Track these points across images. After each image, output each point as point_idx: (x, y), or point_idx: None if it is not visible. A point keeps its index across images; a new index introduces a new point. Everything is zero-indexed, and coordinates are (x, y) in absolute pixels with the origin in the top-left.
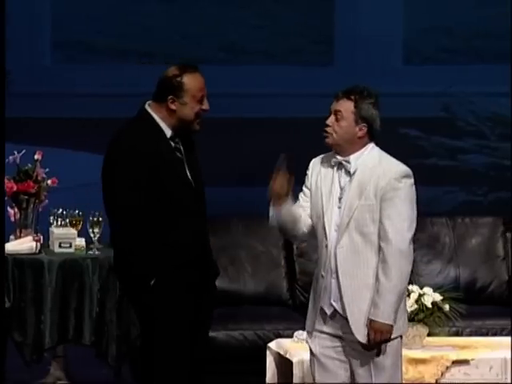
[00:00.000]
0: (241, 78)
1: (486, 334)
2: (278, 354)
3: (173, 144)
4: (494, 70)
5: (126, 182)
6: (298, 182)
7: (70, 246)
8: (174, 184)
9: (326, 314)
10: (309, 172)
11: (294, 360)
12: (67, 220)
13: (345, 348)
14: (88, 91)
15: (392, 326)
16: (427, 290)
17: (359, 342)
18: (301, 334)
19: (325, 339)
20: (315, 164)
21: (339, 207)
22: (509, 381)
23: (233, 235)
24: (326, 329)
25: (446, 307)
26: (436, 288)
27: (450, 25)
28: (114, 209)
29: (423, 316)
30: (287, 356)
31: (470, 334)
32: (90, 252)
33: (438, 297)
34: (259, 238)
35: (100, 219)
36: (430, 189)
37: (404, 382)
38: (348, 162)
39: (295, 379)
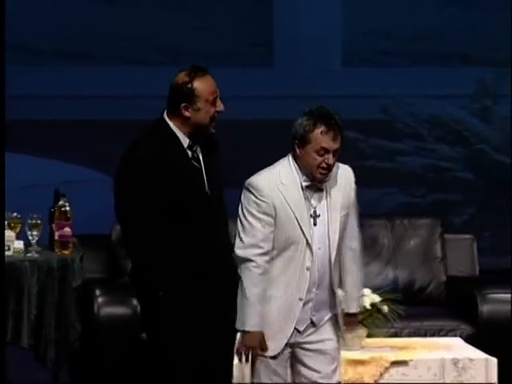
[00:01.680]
0: None
1: (425, 335)
2: None
3: (190, 153)
4: (432, 73)
5: (142, 194)
6: (233, 184)
7: (9, 249)
8: (190, 196)
9: (298, 331)
10: (266, 199)
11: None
12: (5, 223)
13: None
14: (26, 93)
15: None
16: (366, 291)
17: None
18: None
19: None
20: (270, 189)
21: (315, 224)
22: (447, 381)
23: None
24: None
25: (385, 308)
26: (375, 289)
27: (389, 27)
28: (127, 221)
29: (362, 317)
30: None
31: (409, 335)
32: (29, 254)
33: (376, 298)
34: None
35: (39, 222)
36: (369, 190)
37: (343, 382)
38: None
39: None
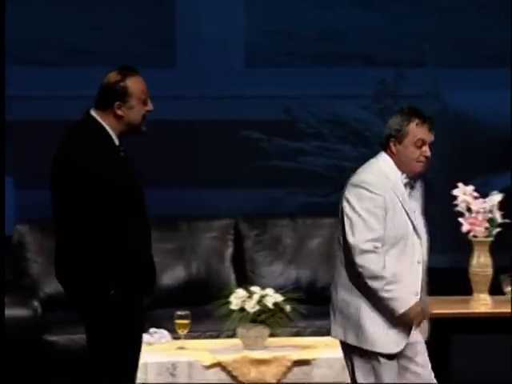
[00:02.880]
0: (79, 81)
1: (327, 334)
2: None
3: (121, 153)
4: (334, 73)
5: (91, 190)
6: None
7: None
8: (127, 190)
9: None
10: (380, 192)
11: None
12: None
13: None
14: None
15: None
16: (269, 291)
17: None
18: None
19: None
20: (382, 184)
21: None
22: (349, 380)
23: None
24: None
25: (288, 308)
26: (277, 289)
27: (291, 28)
28: (75, 217)
29: (265, 317)
30: None
31: (311, 335)
32: None
33: (279, 298)
34: None
35: None
36: (272, 190)
37: (245, 382)
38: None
39: (138, 382)
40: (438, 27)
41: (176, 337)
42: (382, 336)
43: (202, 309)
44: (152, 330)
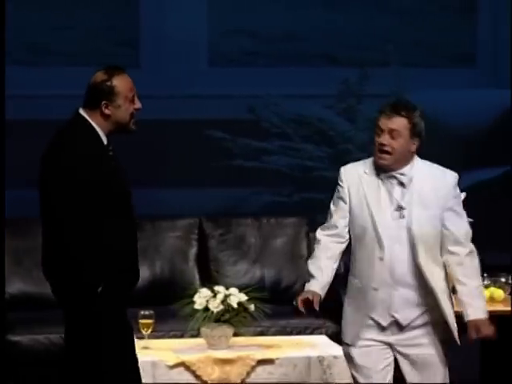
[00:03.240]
0: (46, 80)
1: (291, 333)
2: None
3: (108, 152)
4: (298, 73)
5: (76, 190)
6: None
7: None
8: (114, 189)
9: (379, 324)
10: (343, 184)
11: None
12: None
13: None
14: None
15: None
16: (233, 290)
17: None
18: None
19: (373, 346)
20: (349, 175)
21: (395, 219)
22: (313, 378)
23: (37, 237)
24: (376, 337)
25: (252, 307)
26: (242, 288)
27: (255, 27)
28: (64, 217)
29: (229, 316)
30: None
31: (275, 334)
32: None
33: (243, 297)
34: None
35: None
36: (236, 190)
37: (210, 382)
38: (402, 174)
39: None
40: (400, 27)
41: (140, 336)
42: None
43: (166, 308)
44: None
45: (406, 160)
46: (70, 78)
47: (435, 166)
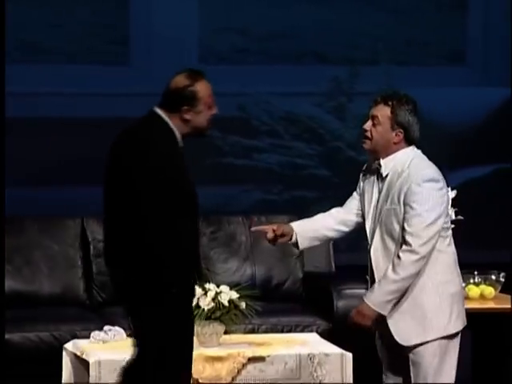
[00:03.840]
0: (38, 78)
1: (282, 331)
2: (75, 354)
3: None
4: (288, 71)
5: (166, 190)
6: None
7: None
8: (192, 191)
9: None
10: (360, 179)
11: (91, 361)
12: None
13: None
14: None
15: (378, 315)
16: (224, 288)
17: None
18: (97, 335)
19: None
20: (364, 171)
21: (374, 211)
22: (303, 376)
23: (28, 235)
24: (381, 334)
25: (243, 305)
26: (232, 286)
27: (245, 25)
28: (148, 215)
29: (220, 314)
30: (84, 357)
31: (266, 331)
32: None
33: (234, 295)
34: (55, 239)
35: None
36: (227, 188)
37: (201, 380)
38: (380, 165)
39: (91, 380)
40: (391, 25)
41: (131, 334)
42: None
43: None
44: (106, 327)
45: (386, 150)
46: (59, 76)
47: (420, 162)
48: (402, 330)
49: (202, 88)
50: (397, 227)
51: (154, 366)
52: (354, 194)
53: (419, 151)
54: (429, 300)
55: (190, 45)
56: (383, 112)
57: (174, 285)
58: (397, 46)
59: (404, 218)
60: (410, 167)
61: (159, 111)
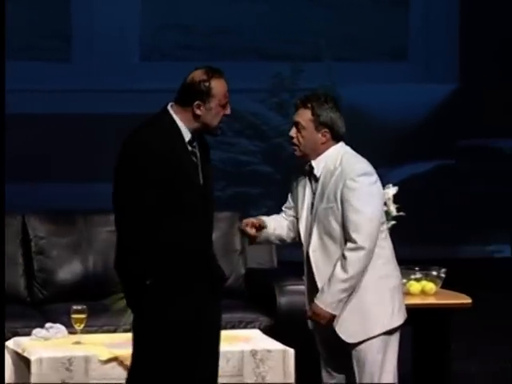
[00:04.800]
0: None
1: (224, 328)
2: (16, 352)
3: (190, 148)
4: (230, 67)
5: (141, 180)
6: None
7: None
8: (185, 187)
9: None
10: (291, 182)
11: (32, 358)
12: None
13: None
14: None
15: (332, 315)
16: None
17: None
18: (39, 332)
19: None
20: (294, 174)
21: (308, 211)
22: (246, 372)
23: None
24: (320, 332)
25: None
26: None
27: (188, 22)
28: (124, 205)
29: None
30: (25, 354)
31: None
32: None
33: None
34: None
35: None
36: None
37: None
38: (312, 167)
39: (33, 378)
40: (333, 22)
41: (72, 331)
42: None
43: (99, 303)
44: (48, 324)
45: (316, 151)
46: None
47: (350, 157)
48: (346, 326)
49: (217, 85)
50: (335, 226)
51: (141, 364)
52: (289, 198)
53: (348, 147)
54: (371, 295)
55: (132, 42)
56: (305, 116)
57: (147, 276)
58: (339, 43)
59: (343, 216)
60: (342, 164)
61: (170, 106)
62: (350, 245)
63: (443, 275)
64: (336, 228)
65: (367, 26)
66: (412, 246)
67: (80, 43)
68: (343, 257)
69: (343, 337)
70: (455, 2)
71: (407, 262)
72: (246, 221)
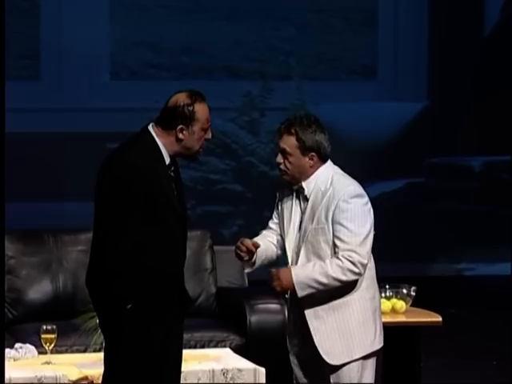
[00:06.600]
0: None
1: (195, 347)
2: None
3: (169, 172)
4: (200, 86)
5: (130, 204)
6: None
7: None
8: (166, 212)
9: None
10: (277, 198)
11: None
12: None
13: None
14: None
15: (291, 289)
16: None
17: (323, 362)
18: (9, 353)
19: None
20: (279, 190)
21: (296, 232)
22: None
23: None
24: (298, 354)
25: None
26: None
27: (157, 40)
28: (111, 229)
29: None
30: None
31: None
32: None
33: None
34: None
35: None
36: None
37: None
38: (302, 188)
39: None
40: (303, 41)
41: (42, 351)
42: None
43: (69, 323)
44: (17, 344)
45: (305, 175)
46: None
47: (341, 178)
48: (330, 348)
49: (200, 109)
50: (324, 246)
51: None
52: (274, 215)
53: (336, 167)
54: (355, 317)
55: (101, 60)
56: (289, 142)
57: (127, 301)
58: (309, 61)
59: (335, 237)
60: (332, 185)
61: (151, 127)
62: (339, 262)
63: (413, 293)
64: (325, 248)
65: (337, 44)
66: (382, 263)
67: (49, 61)
68: (340, 259)
69: (327, 358)
70: (424, 20)
71: (377, 279)
72: (241, 246)
